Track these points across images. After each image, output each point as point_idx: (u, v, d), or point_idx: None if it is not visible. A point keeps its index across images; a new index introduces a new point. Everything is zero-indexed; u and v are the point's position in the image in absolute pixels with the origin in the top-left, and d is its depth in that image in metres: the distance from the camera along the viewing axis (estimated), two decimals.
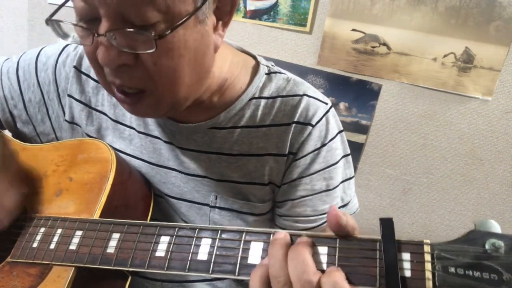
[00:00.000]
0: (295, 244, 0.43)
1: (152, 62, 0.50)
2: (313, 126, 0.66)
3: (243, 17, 1.53)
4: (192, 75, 0.55)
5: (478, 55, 1.28)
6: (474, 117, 1.34)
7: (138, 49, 0.48)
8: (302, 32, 1.46)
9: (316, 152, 0.66)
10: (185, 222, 0.71)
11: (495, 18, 1.24)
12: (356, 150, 1.48)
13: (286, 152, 0.66)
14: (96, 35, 0.48)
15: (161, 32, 0.47)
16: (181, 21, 0.48)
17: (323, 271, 0.40)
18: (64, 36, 0.53)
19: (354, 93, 1.45)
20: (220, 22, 0.57)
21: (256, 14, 1.50)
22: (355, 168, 1.50)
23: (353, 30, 1.40)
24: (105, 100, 0.72)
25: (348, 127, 1.48)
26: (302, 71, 1.49)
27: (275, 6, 1.47)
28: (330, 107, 0.69)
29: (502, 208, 1.38)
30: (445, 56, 1.32)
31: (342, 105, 1.48)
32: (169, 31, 0.48)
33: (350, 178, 0.73)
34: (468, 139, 1.36)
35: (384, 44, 1.37)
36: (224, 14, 0.56)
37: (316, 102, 0.67)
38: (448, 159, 1.41)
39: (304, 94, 0.67)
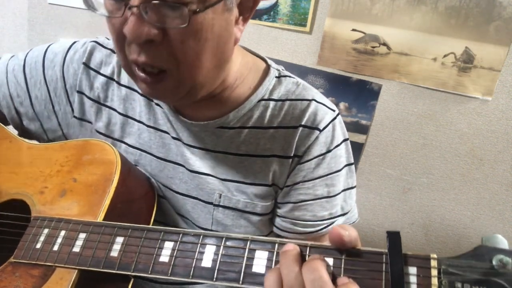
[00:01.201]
0: (310, 258, 0.42)
1: (179, 40, 0.51)
2: (320, 131, 0.66)
3: None
4: (212, 60, 0.56)
5: (478, 55, 1.28)
6: (474, 117, 1.34)
7: (169, 24, 0.50)
8: (302, 32, 1.46)
9: (321, 157, 0.67)
10: (188, 220, 0.71)
11: (495, 18, 1.24)
12: (356, 150, 1.48)
13: (292, 155, 0.66)
14: (128, 7, 0.49)
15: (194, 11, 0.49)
16: (213, 2, 0.50)
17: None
18: (93, 8, 0.55)
19: (354, 93, 1.45)
20: (241, 17, 0.58)
21: (256, 14, 1.50)
22: (355, 168, 1.50)
23: (353, 30, 1.40)
24: (114, 95, 0.72)
25: (348, 127, 1.46)
26: (302, 71, 1.49)
27: (275, 6, 1.47)
28: (337, 114, 0.70)
29: (502, 208, 1.38)
30: (445, 56, 1.32)
31: (342, 105, 1.48)
32: (204, 8, 0.49)
33: (351, 188, 0.73)
34: (468, 139, 1.37)
35: (384, 44, 1.37)
36: (245, 9, 0.58)
37: (324, 107, 0.68)
38: (448, 159, 1.41)
39: (313, 99, 0.68)
